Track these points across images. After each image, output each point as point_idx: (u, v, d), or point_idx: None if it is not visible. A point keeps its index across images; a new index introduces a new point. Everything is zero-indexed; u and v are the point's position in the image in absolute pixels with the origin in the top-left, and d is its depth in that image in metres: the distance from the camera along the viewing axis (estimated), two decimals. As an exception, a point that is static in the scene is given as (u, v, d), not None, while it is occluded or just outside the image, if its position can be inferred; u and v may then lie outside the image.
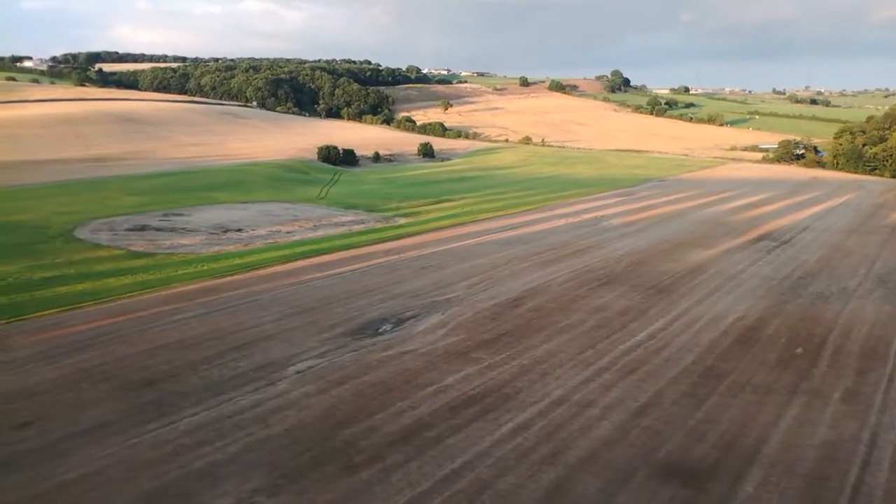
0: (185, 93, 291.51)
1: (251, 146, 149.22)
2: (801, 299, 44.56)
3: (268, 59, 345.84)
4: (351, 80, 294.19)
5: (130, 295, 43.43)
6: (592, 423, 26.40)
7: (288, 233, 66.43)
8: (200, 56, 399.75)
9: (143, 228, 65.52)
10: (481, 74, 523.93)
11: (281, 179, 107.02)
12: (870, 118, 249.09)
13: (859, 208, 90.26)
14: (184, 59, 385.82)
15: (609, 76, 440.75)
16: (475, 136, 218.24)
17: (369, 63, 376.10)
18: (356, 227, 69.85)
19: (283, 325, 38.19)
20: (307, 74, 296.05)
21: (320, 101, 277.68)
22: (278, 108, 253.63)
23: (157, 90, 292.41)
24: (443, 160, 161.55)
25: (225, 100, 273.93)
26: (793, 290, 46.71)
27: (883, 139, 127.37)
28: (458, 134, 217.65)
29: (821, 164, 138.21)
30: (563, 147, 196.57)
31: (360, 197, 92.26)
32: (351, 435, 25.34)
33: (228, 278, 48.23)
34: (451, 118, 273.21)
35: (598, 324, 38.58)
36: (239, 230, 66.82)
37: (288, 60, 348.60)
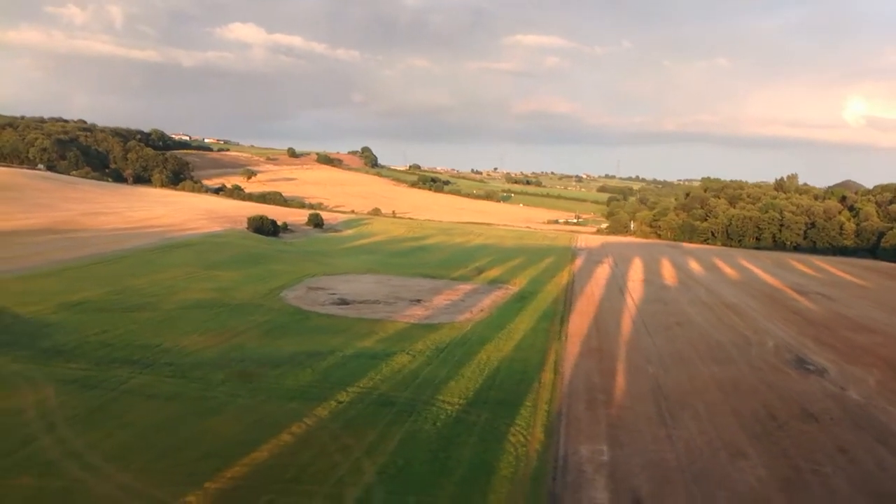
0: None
1: (150, 216, 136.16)
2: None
3: (24, 117, 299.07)
4: (143, 145, 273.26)
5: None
6: None
7: (461, 301, 71.21)
8: None
9: (344, 302, 64.85)
10: (227, 142, 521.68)
11: (280, 251, 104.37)
12: (612, 199, 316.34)
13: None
14: None
15: (360, 151, 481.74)
16: (319, 208, 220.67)
17: (84, 122, 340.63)
18: (497, 294, 76.91)
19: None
20: (90, 136, 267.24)
21: (111, 166, 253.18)
22: (73, 173, 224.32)
23: None
24: (336, 231, 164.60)
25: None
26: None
27: (705, 217, 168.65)
28: (302, 205, 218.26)
29: (658, 235, 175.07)
30: (414, 219, 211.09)
31: (407, 268, 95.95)
32: None
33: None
34: (255, 187, 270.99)
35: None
36: (419, 301, 69.54)
37: (44, 120, 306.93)
